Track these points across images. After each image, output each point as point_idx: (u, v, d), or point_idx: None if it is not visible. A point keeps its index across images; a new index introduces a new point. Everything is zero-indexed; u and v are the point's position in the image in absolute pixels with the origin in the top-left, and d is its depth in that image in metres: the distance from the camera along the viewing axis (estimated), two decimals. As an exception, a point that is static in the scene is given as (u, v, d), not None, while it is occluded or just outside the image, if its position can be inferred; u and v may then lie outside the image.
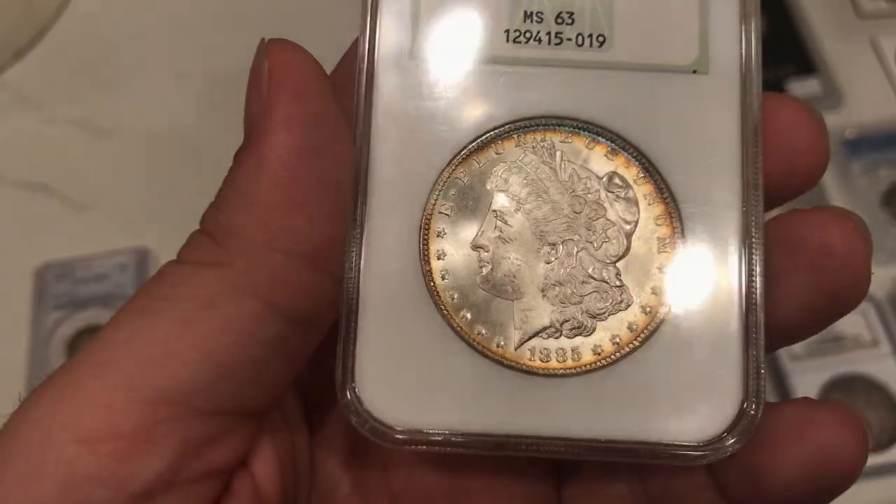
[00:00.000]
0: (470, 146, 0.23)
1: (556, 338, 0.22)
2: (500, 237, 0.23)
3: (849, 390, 0.49)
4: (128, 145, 0.57)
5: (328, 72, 0.23)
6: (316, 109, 0.21)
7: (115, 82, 0.60)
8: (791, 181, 0.23)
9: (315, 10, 0.60)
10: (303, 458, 0.24)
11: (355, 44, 0.24)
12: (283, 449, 0.23)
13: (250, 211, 0.21)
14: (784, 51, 0.59)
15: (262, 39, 0.22)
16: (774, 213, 0.23)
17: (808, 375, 0.49)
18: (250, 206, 0.21)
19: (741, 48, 0.23)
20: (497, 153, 0.23)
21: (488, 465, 0.24)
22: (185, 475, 0.20)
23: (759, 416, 0.21)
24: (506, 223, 0.23)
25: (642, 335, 0.22)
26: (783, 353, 0.50)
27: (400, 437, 0.22)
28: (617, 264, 0.22)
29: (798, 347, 0.50)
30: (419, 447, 0.22)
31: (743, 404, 0.22)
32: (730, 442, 0.21)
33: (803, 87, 0.58)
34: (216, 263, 0.21)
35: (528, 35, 0.23)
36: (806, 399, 0.22)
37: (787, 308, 0.22)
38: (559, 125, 0.23)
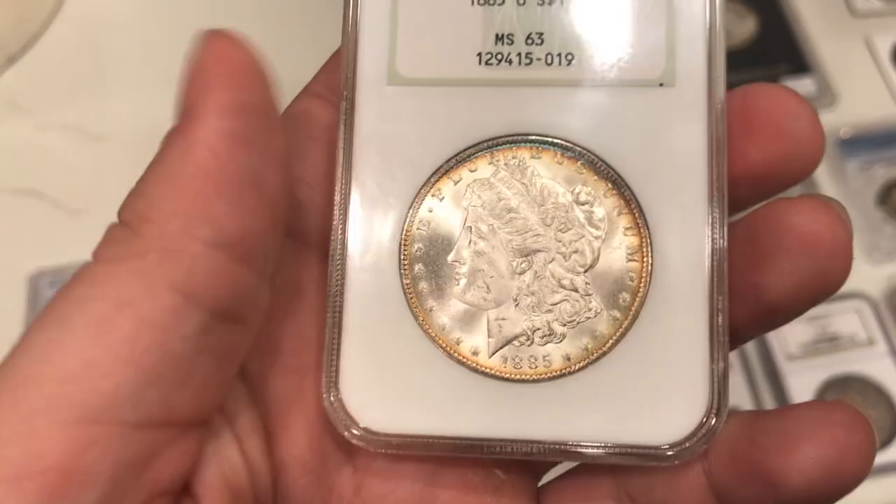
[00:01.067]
0: (446, 165, 0.24)
1: (529, 345, 0.23)
2: (474, 251, 0.24)
3: (845, 390, 0.49)
4: (120, 150, 0.56)
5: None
6: (250, 99, 0.20)
7: (107, 88, 0.59)
8: (787, 170, 0.23)
9: (306, 15, 0.60)
10: (259, 469, 0.23)
11: (335, 58, 0.25)
12: (230, 463, 0.22)
13: (170, 195, 0.20)
14: (778, 50, 0.59)
15: (203, 30, 0.21)
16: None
17: (804, 375, 0.49)
18: (171, 189, 0.20)
19: (707, 59, 0.24)
20: (471, 171, 0.24)
21: (461, 475, 0.24)
22: (125, 501, 0.19)
23: (723, 421, 0.23)
24: (480, 238, 0.24)
25: (610, 343, 0.23)
26: (779, 353, 0.50)
27: (381, 440, 0.23)
28: (586, 274, 0.24)
29: (794, 347, 0.50)
30: (399, 451, 0.23)
31: (707, 411, 0.23)
32: (696, 442, 0.23)
33: (797, 87, 0.57)
34: (131, 256, 0.19)
35: (499, 57, 0.24)
36: (817, 401, 0.22)
37: (778, 289, 0.23)
38: (529, 142, 0.24)
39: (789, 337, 0.50)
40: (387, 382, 0.23)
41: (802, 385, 0.49)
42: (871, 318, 0.51)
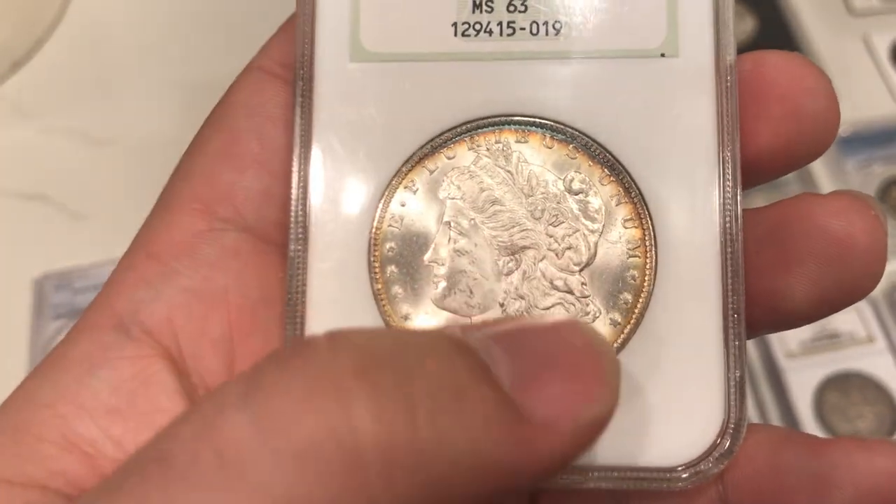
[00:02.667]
0: (419, 152, 0.21)
1: None
2: (454, 250, 0.21)
3: (845, 387, 0.49)
4: (125, 154, 0.56)
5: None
6: None
7: (112, 92, 0.60)
8: (800, 151, 0.21)
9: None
10: None
11: (288, 28, 0.22)
12: None
13: None
14: (776, 48, 0.59)
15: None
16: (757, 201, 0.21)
17: (804, 373, 0.49)
18: None
19: (714, 25, 0.21)
20: (448, 158, 0.21)
21: None
22: None
23: (741, 438, 0.20)
24: (461, 234, 0.21)
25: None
26: (779, 351, 0.50)
27: None
28: (582, 273, 0.21)
29: (794, 345, 0.50)
30: None
31: (723, 427, 0.20)
32: (709, 465, 0.20)
33: (796, 86, 0.57)
34: None
35: (477, 27, 0.21)
36: (853, 440, 0.20)
37: (799, 297, 0.20)
38: (514, 124, 0.21)
39: (789, 335, 0.50)
40: None
41: (803, 383, 0.49)
42: (871, 316, 0.51)
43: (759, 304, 0.20)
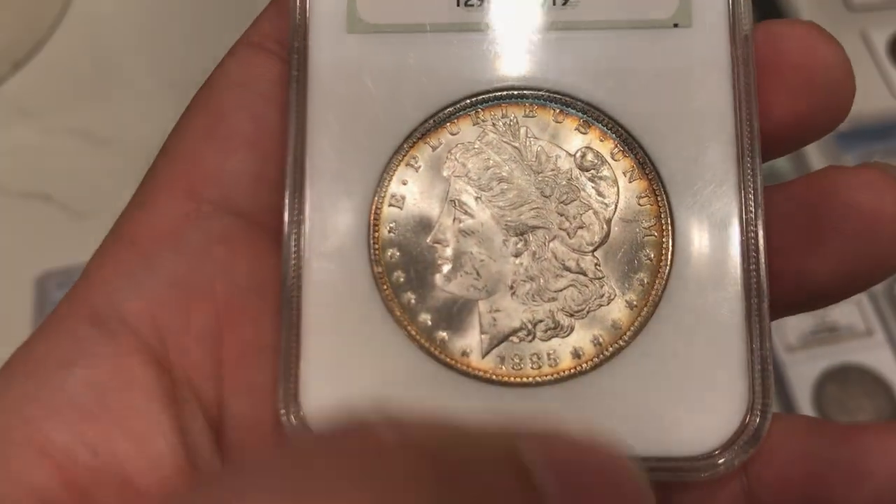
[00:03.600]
0: (421, 127, 0.20)
1: (530, 341, 0.19)
2: (460, 230, 0.19)
3: (844, 380, 0.49)
4: (126, 153, 0.56)
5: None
6: None
7: (114, 92, 0.60)
8: (815, 125, 0.20)
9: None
10: None
11: (278, 1, 0.20)
12: None
13: None
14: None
15: None
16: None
17: (803, 366, 0.49)
18: None
19: None
20: (452, 133, 0.20)
21: None
22: None
23: (767, 423, 0.18)
24: (466, 213, 0.20)
25: (628, 334, 0.19)
26: (778, 344, 0.50)
27: None
28: (595, 253, 0.19)
29: (793, 339, 0.50)
30: None
31: (747, 412, 0.19)
32: (733, 455, 0.18)
33: (794, 81, 0.58)
34: None
35: None
36: (886, 425, 0.19)
37: (827, 275, 0.19)
38: (522, 97, 0.20)
39: (788, 328, 0.50)
40: (358, 393, 0.18)
41: (802, 376, 0.49)
42: (870, 309, 0.50)
43: (785, 283, 0.19)
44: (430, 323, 0.19)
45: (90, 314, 0.18)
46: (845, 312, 0.50)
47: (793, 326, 0.50)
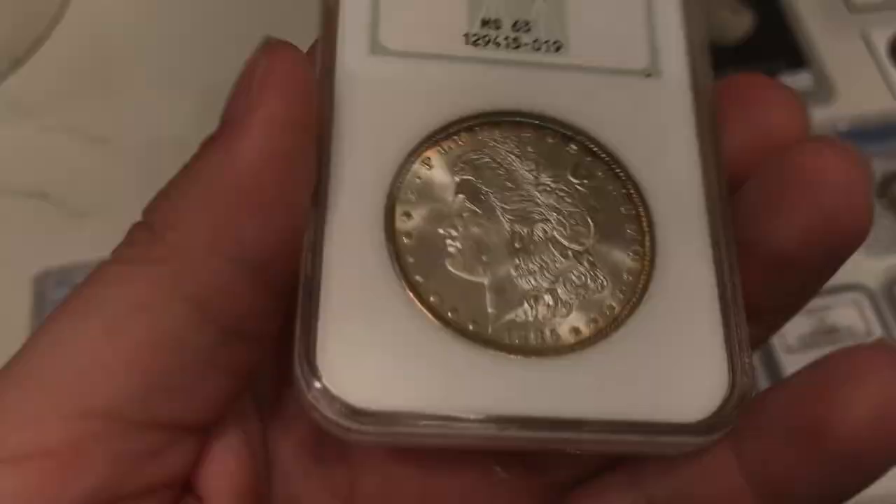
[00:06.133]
0: (434, 137, 0.23)
1: (532, 318, 0.22)
2: (467, 220, 0.22)
3: (844, 381, 0.49)
4: (125, 153, 0.56)
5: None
6: (299, 116, 0.20)
7: (113, 91, 0.59)
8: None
9: (313, 22, 0.60)
10: (260, 466, 0.22)
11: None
12: (233, 460, 0.21)
13: (200, 206, 0.19)
14: (775, 45, 0.59)
15: (266, 37, 0.20)
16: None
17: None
18: (202, 201, 0.19)
19: (688, 51, 0.24)
20: (462, 143, 0.23)
21: (458, 473, 0.23)
22: (123, 491, 0.19)
23: (749, 394, 0.21)
24: (474, 205, 0.22)
25: (620, 316, 0.22)
26: (777, 344, 0.50)
27: (366, 419, 0.20)
28: (589, 248, 0.22)
29: (792, 339, 0.50)
30: (385, 431, 0.20)
31: (730, 384, 0.21)
32: (721, 422, 0.21)
33: (795, 81, 0.57)
34: (152, 261, 0.19)
35: (486, 39, 0.24)
36: (855, 347, 0.21)
37: (784, 238, 0.21)
38: (522, 120, 0.23)
39: (787, 330, 0.50)
40: (372, 354, 0.20)
41: (802, 377, 0.49)
42: (870, 310, 0.51)
43: (751, 257, 0.22)
44: (441, 300, 0.21)
45: None
46: (845, 314, 0.50)
47: (792, 328, 0.50)
